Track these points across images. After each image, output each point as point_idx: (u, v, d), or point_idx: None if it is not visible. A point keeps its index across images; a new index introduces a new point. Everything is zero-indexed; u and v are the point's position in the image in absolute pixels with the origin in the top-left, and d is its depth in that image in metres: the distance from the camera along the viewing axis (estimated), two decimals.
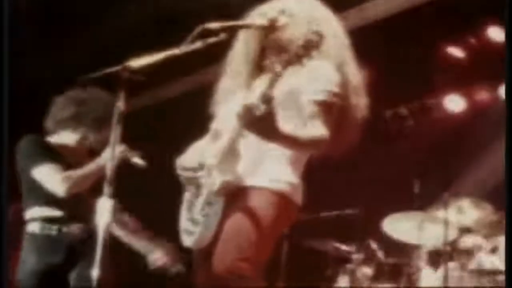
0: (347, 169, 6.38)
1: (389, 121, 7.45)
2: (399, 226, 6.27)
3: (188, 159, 3.51)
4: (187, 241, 3.42)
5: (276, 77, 3.05)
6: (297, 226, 5.93)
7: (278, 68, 3.08)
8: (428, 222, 6.15)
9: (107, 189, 3.10)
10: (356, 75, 3.50)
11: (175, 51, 3.29)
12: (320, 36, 3.13)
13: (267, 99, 2.97)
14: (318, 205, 6.39)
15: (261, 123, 3.01)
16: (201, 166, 3.41)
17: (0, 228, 3.53)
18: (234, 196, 3.31)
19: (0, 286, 3.34)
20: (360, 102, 3.52)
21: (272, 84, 3.03)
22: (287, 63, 3.08)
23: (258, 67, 3.56)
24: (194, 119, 3.65)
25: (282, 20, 3.45)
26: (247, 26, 3.52)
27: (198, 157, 3.47)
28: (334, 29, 3.52)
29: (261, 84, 3.32)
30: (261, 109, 2.96)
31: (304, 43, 3.11)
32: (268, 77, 3.17)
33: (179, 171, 3.49)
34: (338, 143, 3.44)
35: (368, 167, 7.25)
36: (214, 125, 3.60)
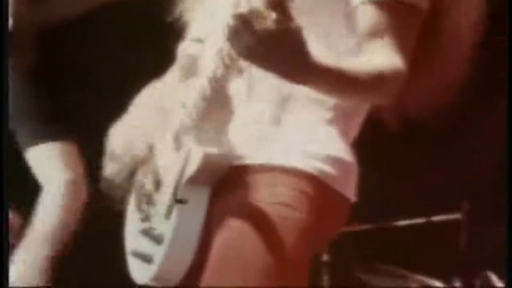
0: (433, 145, 4.62)
1: None
2: None
3: (126, 137, 2.42)
4: (143, 273, 2.22)
5: None
6: (346, 246, 4.28)
7: None
8: None
9: None
10: None
11: None
12: None
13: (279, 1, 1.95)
14: (379, 210, 4.51)
15: (276, 45, 1.90)
16: (150, 149, 2.38)
17: (0, 228, 2.99)
18: (230, 185, 2.12)
19: (0, 286, 2.96)
20: (467, 17, 2.26)
21: None
22: None
23: None
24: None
25: None
26: None
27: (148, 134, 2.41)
28: None
29: None
30: (272, 17, 1.89)
31: None
32: None
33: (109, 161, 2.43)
34: (422, 89, 2.19)
35: (472, 143, 5.00)
36: (185, 50, 2.51)
